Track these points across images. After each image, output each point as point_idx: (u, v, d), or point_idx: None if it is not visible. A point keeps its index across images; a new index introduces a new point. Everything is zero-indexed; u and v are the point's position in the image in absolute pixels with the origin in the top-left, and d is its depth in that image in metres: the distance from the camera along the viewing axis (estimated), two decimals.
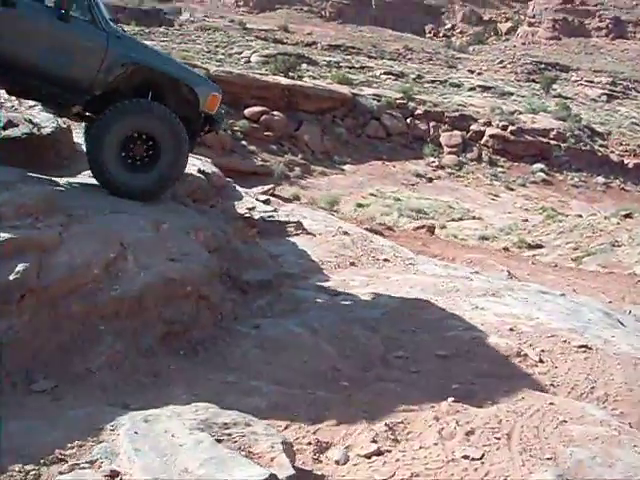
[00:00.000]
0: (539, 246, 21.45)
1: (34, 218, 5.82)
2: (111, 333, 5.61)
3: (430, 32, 76.69)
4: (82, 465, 4.15)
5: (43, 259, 5.53)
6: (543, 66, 59.29)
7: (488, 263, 14.59)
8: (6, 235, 5.42)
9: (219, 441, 4.33)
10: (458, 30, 77.44)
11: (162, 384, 5.49)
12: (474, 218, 24.27)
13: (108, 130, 7.39)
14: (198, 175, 9.07)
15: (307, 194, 21.38)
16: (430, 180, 28.07)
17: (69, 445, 4.43)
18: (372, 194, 25.23)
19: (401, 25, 71.69)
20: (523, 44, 71.56)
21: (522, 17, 78.31)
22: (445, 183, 28.13)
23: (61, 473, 4.12)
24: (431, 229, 18.62)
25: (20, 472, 4.10)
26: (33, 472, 4.14)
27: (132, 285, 5.79)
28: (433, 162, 29.49)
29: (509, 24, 78.75)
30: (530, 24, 75.76)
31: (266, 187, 16.18)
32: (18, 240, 5.45)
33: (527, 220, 24.38)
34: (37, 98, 8.43)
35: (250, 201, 10.23)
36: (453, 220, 23.72)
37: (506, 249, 20.81)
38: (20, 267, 5.27)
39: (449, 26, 78.42)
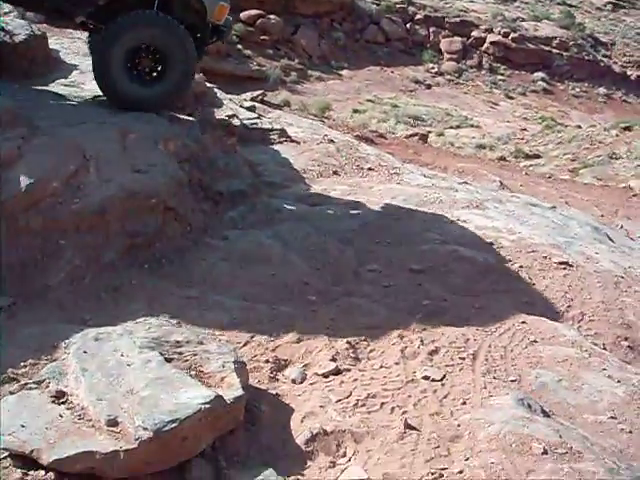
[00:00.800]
0: (536, 156, 21.15)
1: None
2: (71, 248, 5.47)
3: None
4: (29, 385, 4.09)
5: (1, 173, 5.36)
6: None
7: (480, 173, 14.39)
8: None
9: (169, 360, 4.25)
10: None
11: (122, 300, 5.39)
12: (472, 126, 23.85)
13: (113, 43, 7.18)
14: None
15: (301, 100, 20.92)
16: (429, 87, 27.46)
17: (22, 364, 4.38)
18: (369, 100, 24.70)
19: None
20: None
21: None
22: (444, 90, 27.54)
23: (12, 393, 4.06)
24: (424, 137, 18.26)
25: None
26: None
27: (93, 198, 5.63)
28: (432, 68, 28.82)
29: None
30: None
31: (255, 93, 15.76)
32: None
33: (526, 129, 23.99)
34: (38, 9, 8.23)
35: (232, 108, 9.96)
36: (451, 128, 23.33)
37: (503, 158, 20.53)
38: None
39: None
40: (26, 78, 7.75)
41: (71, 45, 11.23)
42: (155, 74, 7.42)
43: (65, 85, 7.82)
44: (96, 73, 7.36)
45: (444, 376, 4.85)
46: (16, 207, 5.30)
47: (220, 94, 9.84)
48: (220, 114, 9.38)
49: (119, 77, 7.22)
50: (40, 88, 7.60)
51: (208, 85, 9.23)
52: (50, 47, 9.48)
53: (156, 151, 6.48)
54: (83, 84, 8.40)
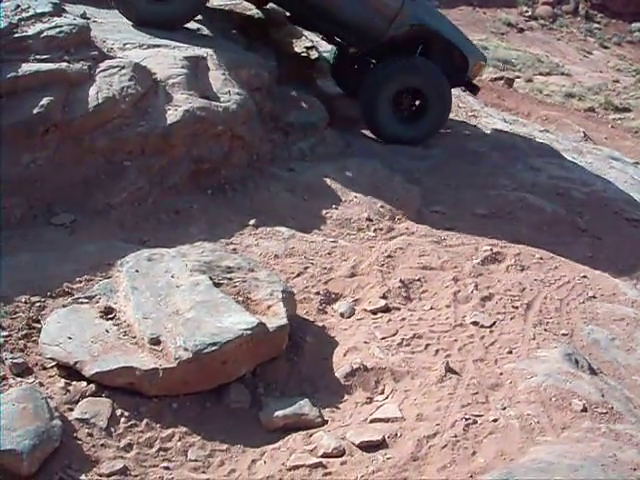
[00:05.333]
0: (626, 109, 20.47)
1: (65, 51, 5.67)
2: (135, 169, 5.54)
3: None
4: (81, 300, 4.20)
5: (70, 94, 5.42)
6: None
7: (564, 122, 13.98)
8: (32, 68, 5.33)
9: (218, 285, 4.30)
10: None
11: (182, 223, 5.46)
12: (563, 74, 23.11)
13: (384, 85, 8.12)
14: (255, 11, 8.72)
15: None
16: (521, 30, 26.61)
17: (77, 279, 4.51)
18: None
19: None
20: None
21: None
22: (536, 35, 26.67)
23: (64, 306, 4.18)
24: (509, 81, 17.75)
25: (26, 303, 4.18)
26: (38, 304, 4.22)
27: (160, 122, 5.66)
28: (526, 12, 27.90)
29: None
30: None
31: None
32: (44, 73, 5.35)
33: (618, 81, 23.14)
34: (321, 34, 9.34)
35: (313, 40, 9.83)
36: (540, 74, 22.66)
37: (591, 109, 19.93)
38: (44, 101, 5.19)
39: None
40: (104, 1, 7.75)
41: None
42: (414, 114, 8.38)
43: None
44: (365, 114, 8.34)
45: (494, 323, 4.79)
46: (83, 127, 5.37)
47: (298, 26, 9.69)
48: (299, 44, 9.27)
49: (386, 118, 8.19)
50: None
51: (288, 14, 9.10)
52: None
53: (227, 79, 6.45)
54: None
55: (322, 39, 9.89)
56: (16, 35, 5.50)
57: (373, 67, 8.60)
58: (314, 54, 9.32)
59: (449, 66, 8.31)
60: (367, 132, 8.47)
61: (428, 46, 8.28)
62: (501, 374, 4.18)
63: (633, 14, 29.04)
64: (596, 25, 28.59)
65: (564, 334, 4.84)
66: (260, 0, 8.45)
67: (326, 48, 10.18)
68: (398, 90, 8.19)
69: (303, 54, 9.21)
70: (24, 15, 5.73)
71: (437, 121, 8.47)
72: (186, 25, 7.34)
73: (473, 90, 9.08)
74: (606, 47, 27.19)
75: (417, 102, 8.39)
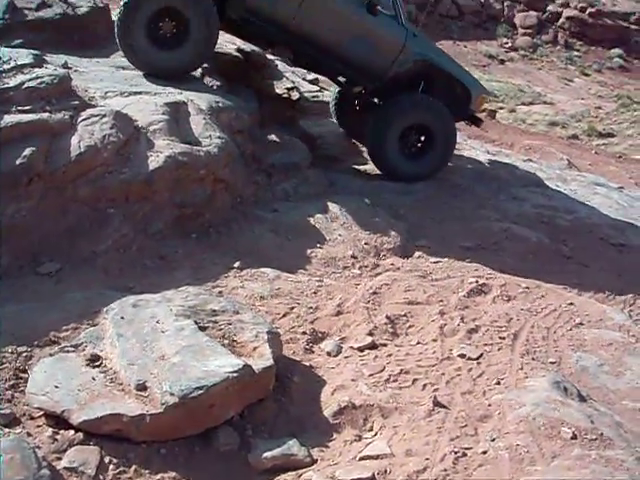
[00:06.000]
0: (610, 135, 20.66)
1: (46, 102, 5.73)
2: (119, 217, 5.57)
3: None
4: (67, 348, 4.20)
5: (52, 143, 5.48)
6: None
7: (548, 151, 14.07)
8: (14, 119, 5.39)
9: (204, 328, 4.31)
10: None
11: (167, 268, 5.49)
12: (545, 103, 23.36)
13: (391, 124, 8.29)
14: (235, 54, 8.81)
15: None
16: (502, 62, 26.91)
17: (64, 328, 4.52)
18: None
19: None
20: None
21: None
22: (517, 65, 26.97)
23: (51, 355, 4.18)
24: (492, 112, 17.93)
25: (12, 353, 4.20)
26: (25, 354, 4.23)
27: (142, 168, 5.71)
28: (506, 43, 28.26)
29: None
30: None
31: None
32: (26, 124, 5.40)
33: (600, 107, 23.37)
34: (326, 75, 9.16)
35: (293, 81, 9.92)
36: (523, 104, 22.89)
37: (575, 137, 20.12)
38: (27, 152, 5.25)
39: None
40: (88, 49, 7.86)
41: None
42: (420, 150, 8.54)
43: (122, 57, 7.89)
44: (373, 152, 8.57)
45: (481, 355, 4.80)
46: (66, 176, 5.41)
47: (281, 66, 9.79)
48: (279, 86, 9.36)
49: (394, 155, 8.35)
50: (99, 60, 7.69)
51: (269, 57, 9.21)
52: (113, 19, 9.59)
53: (208, 123, 6.51)
54: None
55: (305, 80, 10.01)
56: None
57: (379, 106, 8.79)
58: (295, 95, 9.40)
59: (452, 100, 8.49)
60: (350, 170, 8.53)
61: (430, 81, 8.47)
62: (489, 405, 4.18)
63: (611, 40, 29.36)
64: (576, 53, 28.91)
65: (552, 362, 4.86)
66: (266, 43, 8.53)
67: (307, 88, 10.30)
68: (405, 127, 8.35)
69: (284, 95, 9.28)
70: (5, 67, 5.82)
71: (444, 156, 8.65)
72: None
73: (476, 122, 9.21)
74: (587, 74, 27.46)
75: (422, 138, 8.55)
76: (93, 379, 3.88)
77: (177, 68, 7.29)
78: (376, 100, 9.02)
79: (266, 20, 7.63)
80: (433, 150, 8.49)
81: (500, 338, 5.07)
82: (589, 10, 29.97)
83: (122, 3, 7.15)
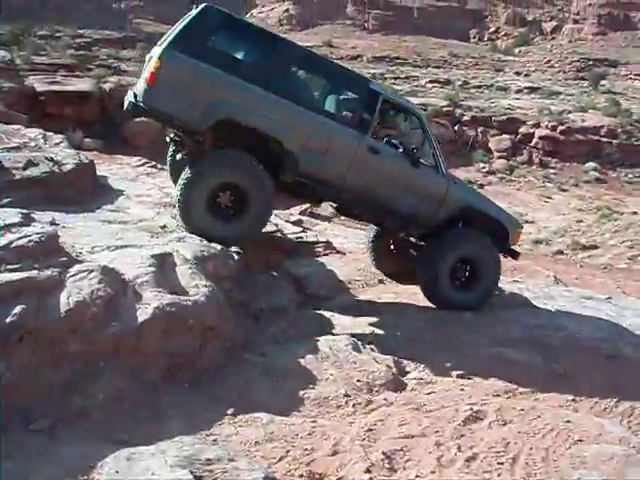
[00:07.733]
0: (594, 247, 21.05)
1: (35, 259, 5.86)
2: (111, 370, 5.60)
3: (474, 37, 76.55)
4: None
5: (41, 300, 5.55)
6: (591, 62, 58.66)
7: (534, 269, 14.29)
8: (4, 278, 5.47)
9: (200, 478, 4.30)
10: (502, 33, 77.28)
11: (160, 418, 5.46)
12: (527, 222, 23.85)
13: (444, 258, 8.80)
14: None
15: None
16: (481, 186, 27.61)
17: None
18: None
19: (445, 32, 71.48)
20: (569, 42, 71.64)
21: (567, 15, 78.18)
22: (496, 188, 27.69)
23: None
24: None
25: None
26: None
27: (131, 322, 5.78)
28: (483, 168, 29.13)
29: (554, 23, 78.66)
30: (575, 21, 76.29)
31: (304, 206, 16.04)
32: (16, 283, 5.48)
33: (581, 221, 23.91)
34: (370, 222, 9.94)
35: (276, 224, 10.18)
36: None
37: (560, 252, 20.44)
38: (17, 309, 5.30)
39: (493, 29, 78.26)
40: (74, 205, 8.08)
41: (119, 171, 11.73)
42: (468, 281, 9.10)
43: (111, 210, 8.13)
44: (427, 287, 8.96)
45: None
46: (56, 332, 5.44)
47: None
48: (263, 230, 9.58)
49: (447, 288, 8.84)
50: (86, 214, 7.90)
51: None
52: (98, 174, 9.92)
53: (194, 272, 6.64)
54: (128, 209, 8.74)
55: (288, 222, 10.23)
56: None
57: (428, 245, 9.22)
58: (279, 237, 9.62)
59: (491, 236, 9.08)
60: (337, 308, 8.61)
61: (468, 221, 9.09)
62: None
63: (585, 155, 30.27)
64: (552, 170, 29.71)
65: None
66: (317, 200, 9.06)
67: (291, 230, 10.54)
68: (456, 260, 8.90)
69: (267, 238, 9.49)
70: None
71: (492, 285, 9.21)
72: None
73: (514, 255, 9.69)
74: (565, 190, 28.15)
75: (468, 270, 9.12)
76: None
77: (236, 237, 7.78)
78: (413, 240, 9.59)
79: (318, 181, 8.18)
80: (481, 280, 9.04)
81: (499, 464, 5.05)
82: (560, 128, 31.00)
83: (182, 180, 7.56)
